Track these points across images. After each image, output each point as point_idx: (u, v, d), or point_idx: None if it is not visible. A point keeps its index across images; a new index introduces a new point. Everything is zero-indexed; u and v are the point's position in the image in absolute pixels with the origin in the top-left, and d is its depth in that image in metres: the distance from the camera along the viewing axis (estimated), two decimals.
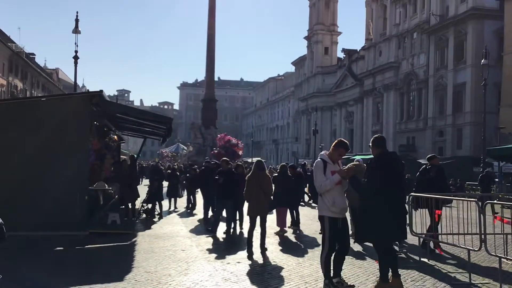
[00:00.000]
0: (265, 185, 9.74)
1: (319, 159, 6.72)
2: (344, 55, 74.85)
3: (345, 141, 6.87)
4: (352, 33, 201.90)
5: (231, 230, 12.30)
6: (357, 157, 9.02)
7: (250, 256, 9.24)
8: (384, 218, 6.22)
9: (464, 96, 46.38)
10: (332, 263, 6.57)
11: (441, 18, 49.41)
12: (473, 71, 44.11)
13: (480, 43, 42.14)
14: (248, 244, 9.60)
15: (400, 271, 7.76)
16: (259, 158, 11.81)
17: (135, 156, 17.31)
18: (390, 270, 6.57)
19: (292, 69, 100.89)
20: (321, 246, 6.73)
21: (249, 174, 10.07)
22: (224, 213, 12.77)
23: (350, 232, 7.32)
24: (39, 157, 10.52)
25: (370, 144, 6.70)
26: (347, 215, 6.94)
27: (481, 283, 7.10)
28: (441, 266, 8.31)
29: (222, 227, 12.37)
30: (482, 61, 31.31)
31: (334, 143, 6.86)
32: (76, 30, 25.37)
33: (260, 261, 8.77)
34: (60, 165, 10.54)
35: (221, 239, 11.35)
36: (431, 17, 50.70)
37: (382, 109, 61.77)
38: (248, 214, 10.00)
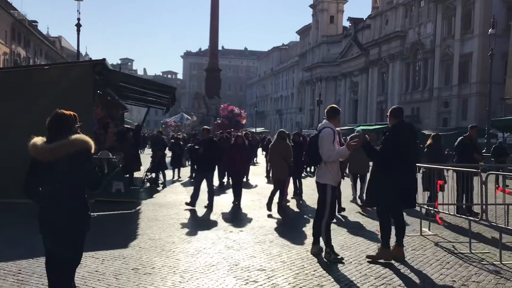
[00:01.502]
0: (285, 153, 11.00)
1: (329, 128, 6.83)
2: (350, 24, 73.79)
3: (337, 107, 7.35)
4: (358, 1, 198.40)
5: (212, 204, 11.32)
6: (358, 128, 9.10)
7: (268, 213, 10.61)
8: (395, 185, 6.47)
9: (470, 67, 45.89)
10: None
11: None
12: (480, 40, 43.52)
13: (488, 12, 41.41)
14: (267, 204, 10.90)
15: None
16: (282, 129, 12.63)
17: (139, 125, 17.33)
18: (395, 238, 6.79)
19: (297, 38, 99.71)
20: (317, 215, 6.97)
21: (272, 143, 11.54)
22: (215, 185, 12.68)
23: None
24: (42, 125, 10.55)
25: (388, 114, 7.01)
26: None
27: (481, 252, 7.18)
28: (442, 235, 8.38)
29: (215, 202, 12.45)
30: (490, 30, 30.85)
31: (331, 111, 7.09)
32: None
33: (262, 230, 8.86)
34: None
35: (223, 210, 11.44)
36: None
37: (387, 80, 61.28)
38: (273, 178, 11.61)
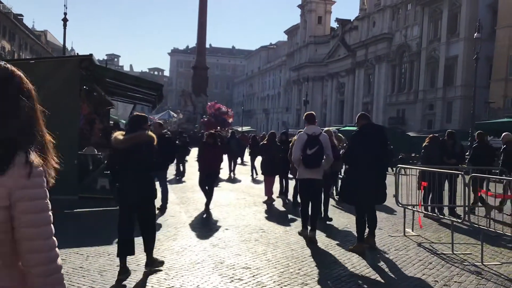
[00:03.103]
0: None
1: (304, 133, 7.87)
2: (338, 25, 74.21)
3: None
4: (346, 2, 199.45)
5: (166, 205, 10.73)
6: (334, 128, 9.47)
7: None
8: (359, 183, 6.99)
9: (455, 70, 46.45)
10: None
11: None
12: (465, 44, 44.06)
13: (473, 16, 41.95)
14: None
15: (384, 241, 7.99)
16: (272, 130, 13.87)
17: (117, 123, 17.19)
18: (368, 229, 7.40)
19: (284, 38, 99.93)
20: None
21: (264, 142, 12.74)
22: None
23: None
24: None
25: (358, 117, 7.54)
26: None
27: (463, 253, 7.29)
28: (425, 236, 8.49)
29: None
30: (475, 34, 31.22)
31: (310, 117, 8.13)
32: None
33: (248, 228, 8.89)
34: (49, 129, 10.43)
35: (210, 208, 11.43)
36: None
37: (373, 81, 61.74)
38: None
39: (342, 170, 10.35)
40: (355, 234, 7.49)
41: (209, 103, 55.19)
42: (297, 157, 7.82)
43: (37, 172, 1.57)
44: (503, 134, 11.94)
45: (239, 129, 62.64)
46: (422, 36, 51.39)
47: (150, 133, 5.77)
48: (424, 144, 11.12)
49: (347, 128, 43.91)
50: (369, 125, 7.46)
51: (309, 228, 8.01)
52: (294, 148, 8.11)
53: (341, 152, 9.41)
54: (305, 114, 8.46)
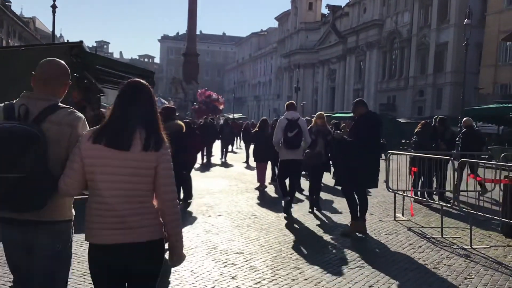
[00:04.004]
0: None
1: (284, 119, 8.68)
2: (329, 11, 73.91)
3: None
4: None
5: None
6: (317, 113, 9.59)
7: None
8: (361, 168, 7.18)
9: (445, 56, 46.60)
10: None
11: None
12: (456, 30, 44.17)
13: (463, 2, 41.98)
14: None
15: (374, 225, 8.12)
16: (264, 117, 14.06)
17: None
18: (359, 214, 7.49)
19: (275, 24, 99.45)
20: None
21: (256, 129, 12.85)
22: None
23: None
24: None
25: (354, 104, 7.59)
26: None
27: (452, 237, 7.42)
28: (415, 221, 8.61)
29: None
30: (465, 21, 31.29)
31: (289, 105, 9.06)
32: None
33: (240, 214, 8.96)
34: None
35: (202, 195, 11.49)
36: None
37: (364, 68, 61.81)
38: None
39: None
40: (347, 218, 7.61)
41: (199, 91, 55.00)
42: (277, 140, 8.68)
43: (168, 147, 2.62)
44: (464, 119, 13.01)
45: (230, 116, 62.59)
46: (413, 22, 51.41)
47: (179, 122, 6.93)
48: (416, 130, 11.21)
49: (338, 115, 44.12)
50: (371, 112, 7.82)
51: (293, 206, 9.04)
52: (275, 131, 8.92)
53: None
54: (286, 103, 9.48)
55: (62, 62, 2.87)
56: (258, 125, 13.72)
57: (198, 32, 72.72)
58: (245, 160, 20.38)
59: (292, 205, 9.23)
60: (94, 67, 14.09)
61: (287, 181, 9.04)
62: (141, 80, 2.69)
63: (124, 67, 14.57)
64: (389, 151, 9.35)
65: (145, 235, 2.51)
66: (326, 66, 73.47)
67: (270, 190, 12.40)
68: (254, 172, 13.64)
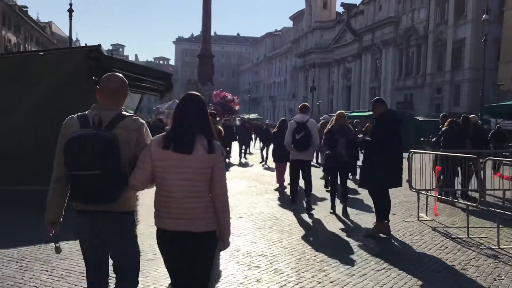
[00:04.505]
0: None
1: (294, 121, 9.37)
2: (343, 10, 73.56)
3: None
4: None
5: None
6: (337, 112, 9.43)
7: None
8: (382, 168, 7.09)
9: (463, 52, 46.02)
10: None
11: None
12: (473, 26, 43.60)
13: None
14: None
15: (398, 226, 7.99)
16: (283, 118, 13.79)
17: (131, 112, 17.19)
18: (383, 215, 7.36)
19: (290, 24, 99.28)
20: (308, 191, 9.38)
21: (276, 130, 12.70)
22: None
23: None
24: (37, 112, 10.39)
25: (373, 103, 7.53)
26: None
27: (478, 237, 7.26)
28: (439, 221, 8.46)
29: None
30: (483, 16, 30.90)
31: (301, 107, 9.70)
32: None
33: (261, 216, 8.90)
34: (60, 120, 10.37)
35: None
36: None
37: (380, 66, 61.35)
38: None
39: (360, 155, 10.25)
40: (369, 219, 7.49)
41: (214, 92, 55.07)
42: (288, 142, 9.32)
43: (222, 150, 3.11)
44: (470, 116, 12.54)
45: (246, 116, 62.56)
46: (429, 19, 50.87)
47: (219, 126, 7.29)
48: (444, 128, 10.99)
49: (354, 113, 43.80)
50: (391, 110, 7.91)
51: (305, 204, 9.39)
52: (286, 133, 9.55)
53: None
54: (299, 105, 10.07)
55: (121, 75, 3.33)
56: (277, 125, 13.65)
57: (212, 34, 72.90)
58: (261, 161, 20.35)
59: (313, 206, 9.25)
60: (112, 70, 14.23)
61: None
62: (196, 93, 3.24)
63: (142, 70, 14.62)
64: (411, 150, 9.21)
65: (202, 226, 3.04)
66: (342, 65, 73.09)
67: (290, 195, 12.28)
68: (272, 173, 13.58)
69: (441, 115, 12.05)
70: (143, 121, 3.23)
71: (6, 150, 9.87)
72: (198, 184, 3.04)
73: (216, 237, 3.15)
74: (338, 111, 9.82)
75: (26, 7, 68.57)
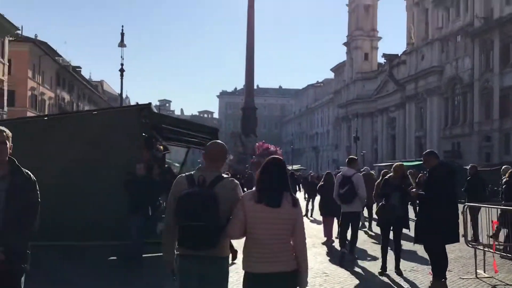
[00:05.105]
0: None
1: (340, 175, 9.98)
2: (385, 60, 73.83)
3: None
4: (392, 37, 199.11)
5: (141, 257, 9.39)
6: (394, 164, 9.24)
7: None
8: (440, 223, 6.89)
9: (511, 100, 44.91)
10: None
11: (485, 20, 48.12)
12: None
13: None
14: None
15: (455, 284, 7.65)
16: (329, 171, 14.37)
17: (169, 166, 17.56)
18: (439, 273, 7.07)
19: (331, 75, 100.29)
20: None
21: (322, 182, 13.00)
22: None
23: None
24: (92, 169, 10.80)
25: (425, 155, 7.44)
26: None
27: None
28: (499, 278, 8.04)
29: None
30: None
31: (348, 160, 10.17)
32: (121, 44, 26.08)
33: (310, 272, 8.71)
34: (113, 177, 10.62)
35: None
36: (475, 19, 49.44)
37: (425, 114, 60.50)
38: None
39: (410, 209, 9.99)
40: (424, 276, 7.22)
41: (257, 143, 55.51)
42: (335, 195, 9.87)
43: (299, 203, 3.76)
44: (503, 167, 12.13)
45: (289, 167, 62.52)
46: (474, 67, 50.22)
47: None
48: (505, 180, 10.60)
49: (415, 163, 42.93)
50: (444, 163, 8.02)
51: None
52: (335, 186, 10.04)
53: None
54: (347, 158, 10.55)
55: (222, 143, 4.10)
56: (323, 178, 13.61)
57: (255, 87, 74.45)
58: (305, 213, 20.13)
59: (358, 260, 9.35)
60: (161, 126, 14.70)
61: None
62: (278, 157, 3.85)
63: (189, 125, 15.08)
64: (466, 203, 8.92)
65: (288, 265, 3.57)
66: (385, 114, 72.62)
67: (339, 245, 12.03)
68: (319, 226, 13.39)
69: (503, 167, 11.57)
70: (237, 182, 3.88)
71: (62, 206, 10.18)
72: (284, 232, 3.59)
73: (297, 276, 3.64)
74: (395, 164, 9.58)
75: (80, 68, 72.56)
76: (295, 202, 3.66)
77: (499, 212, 9.17)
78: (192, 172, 3.88)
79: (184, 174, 3.90)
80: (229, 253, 4.00)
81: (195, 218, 3.53)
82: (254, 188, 3.76)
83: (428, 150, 7.72)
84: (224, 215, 3.64)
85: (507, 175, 10.57)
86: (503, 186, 10.80)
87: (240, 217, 3.58)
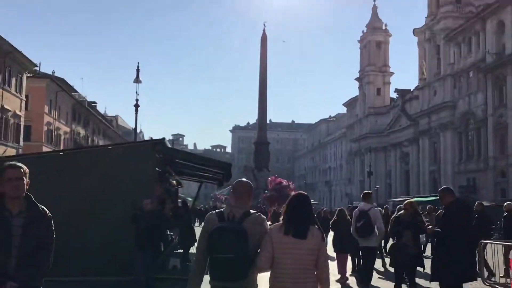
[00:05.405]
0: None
1: (357, 210, 9.99)
2: (397, 95, 74.05)
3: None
4: (404, 73, 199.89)
5: None
6: (405, 202, 9.23)
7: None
8: (457, 260, 6.73)
9: None
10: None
11: (497, 56, 48.27)
12: None
13: None
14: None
15: None
16: (341, 207, 14.46)
17: (185, 201, 17.61)
18: None
19: (343, 110, 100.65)
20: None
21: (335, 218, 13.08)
22: None
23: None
24: (106, 203, 10.89)
25: (440, 192, 7.39)
26: None
27: None
28: None
29: None
30: None
31: (363, 195, 10.40)
32: (137, 80, 26.59)
33: None
34: (125, 211, 10.66)
35: None
36: (487, 55, 49.62)
37: (439, 149, 60.12)
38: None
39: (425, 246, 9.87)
40: None
41: (269, 178, 55.41)
42: (353, 230, 9.99)
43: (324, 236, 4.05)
44: (505, 204, 12.24)
45: None
46: (487, 102, 50.10)
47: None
48: (505, 215, 10.50)
49: (415, 199, 42.53)
50: (460, 200, 7.92)
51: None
52: (352, 221, 10.20)
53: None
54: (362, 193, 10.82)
55: (248, 181, 4.32)
56: (335, 214, 13.52)
57: (268, 121, 74.96)
58: None
59: None
60: (175, 161, 14.84)
61: None
62: (304, 193, 4.23)
63: (202, 160, 15.18)
64: (482, 241, 8.79)
65: None
66: (398, 149, 72.32)
67: (353, 282, 11.85)
68: (332, 262, 13.15)
69: (505, 203, 11.47)
70: (264, 217, 4.12)
71: (75, 241, 10.22)
72: (308, 262, 3.87)
73: None
74: (407, 200, 9.52)
75: (95, 103, 73.78)
76: (320, 235, 3.92)
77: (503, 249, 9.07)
78: (223, 209, 4.13)
79: (214, 211, 4.13)
80: (257, 286, 4.12)
81: (225, 251, 3.71)
82: (280, 221, 3.97)
83: (444, 187, 7.65)
84: (253, 248, 3.83)
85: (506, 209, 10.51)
86: (502, 221, 10.77)
87: (268, 248, 3.83)
